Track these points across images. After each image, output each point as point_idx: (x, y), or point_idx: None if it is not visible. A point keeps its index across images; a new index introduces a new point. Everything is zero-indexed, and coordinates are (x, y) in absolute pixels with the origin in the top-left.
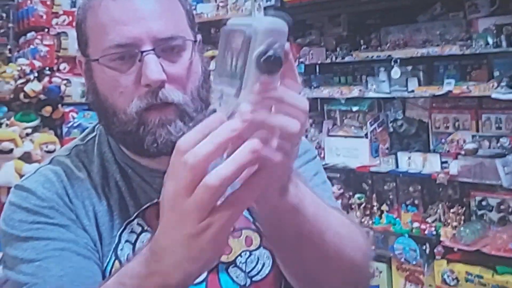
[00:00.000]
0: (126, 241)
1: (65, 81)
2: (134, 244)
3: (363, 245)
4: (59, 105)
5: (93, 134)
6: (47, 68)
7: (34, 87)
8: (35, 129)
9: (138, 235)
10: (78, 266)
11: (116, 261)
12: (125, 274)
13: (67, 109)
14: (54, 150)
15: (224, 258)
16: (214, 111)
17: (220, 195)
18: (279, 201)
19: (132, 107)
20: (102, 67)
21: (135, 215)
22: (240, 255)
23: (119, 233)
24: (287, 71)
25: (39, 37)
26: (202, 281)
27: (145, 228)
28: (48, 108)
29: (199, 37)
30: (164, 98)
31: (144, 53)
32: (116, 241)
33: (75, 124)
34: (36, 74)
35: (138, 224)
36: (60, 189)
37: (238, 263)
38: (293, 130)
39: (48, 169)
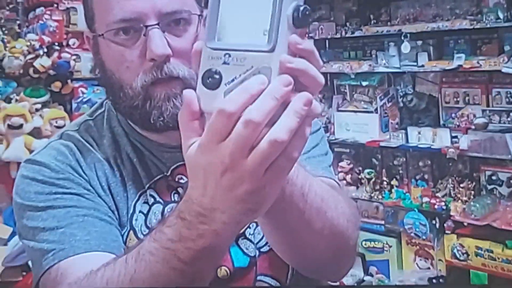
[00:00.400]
0: (140, 211)
1: (74, 57)
2: (146, 215)
3: (347, 211)
4: (69, 81)
5: (102, 109)
6: (56, 44)
7: (43, 62)
8: (44, 105)
9: (151, 206)
10: (102, 230)
11: (131, 231)
12: (168, 239)
13: (76, 85)
14: (64, 126)
15: None
16: (214, 71)
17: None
18: None
19: (137, 82)
20: (108, 42)
21: (147, 186)
22: (249, 226)
23: (133, 203)
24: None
25: (48, 12)
26: None
27: (157, 199)
28: (58, 84)
29: (205, 11)
30: (170, 72)
31: (149, 28)
32: (131, 211)
33: (84, 100)
34: (45, 50)
35: (150, 195)
36: (73, 161)
37: (247, 235)
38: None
39: (59, 143)
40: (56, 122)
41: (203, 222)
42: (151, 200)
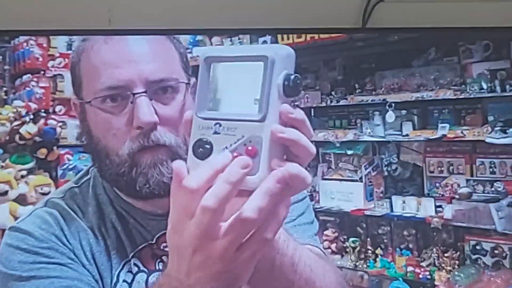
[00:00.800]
0: (124, 280)
1: (60, 123)
2: (130, 284)
3: (334, 281)
4: (55, 147)
5: (88, 177)
6: (42, 110)
7: (29, 129)
8: (30, 171)
9: (135, 275)
10: None
11: None
12: None
13: (62, 151)
14: (49, 192)
15: None
16: (204, 141)
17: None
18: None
19: (124, 149)
20: (95, 109)
21: (131, 254)
22: None
23: (117, 272)
24: None
25: (35, 79)
26: None
27: (141, 268)
28: (44, 150)
29: (193, 80)
30: (156, 140)
31: (136, 95)
32: (115, 280)
33: (70, 166)
34: (31, 116)
35: (134, 264)
36: (57, 230)
37: None
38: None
39: (44, 211)
40: (42, 188)
41: None
42: (135, 269)
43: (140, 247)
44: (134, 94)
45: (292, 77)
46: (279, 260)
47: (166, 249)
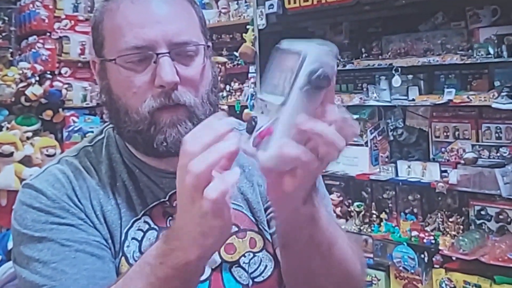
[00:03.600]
0: (133, 238)
1: (66, 85)
2: (140, 242)
3: (360, 260)
4: (60, 109)
5: (101, 136)
6: (48, 72)
7: (35, 90)
8: (35, 133)
9: (145, 232)
10: (92, 267)
11: (123, 258)
12: (150, 254)
13: (68, 113)
14: (55, 154)
15: (228, 258)
16: (253, 118)
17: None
18: (300, 206)
19: (145, 107)
20: (117, 67)
21: (142, 213)
22: (243, 255)
23: (125, 230)
24: (328, 94)
25: (41, 41)
26: (206, 279)
27: (152, 226)
28: (49, 112)
29: (209, 43)
30: (177, 100)
31: (160, 56)
32: (123, 238)
33: (75, 128)
34: (37, 78)
35: (145, 222)
36: (69, 189)
37: (241, 263)
38: (340, 146)
39: (57, 168)
40: (47, 150)
41: (175, 238)
42: (146, 227)
43: (151, 205)
44: (157, 54)
45: (317, 73)
46: (318, 238)
47: None
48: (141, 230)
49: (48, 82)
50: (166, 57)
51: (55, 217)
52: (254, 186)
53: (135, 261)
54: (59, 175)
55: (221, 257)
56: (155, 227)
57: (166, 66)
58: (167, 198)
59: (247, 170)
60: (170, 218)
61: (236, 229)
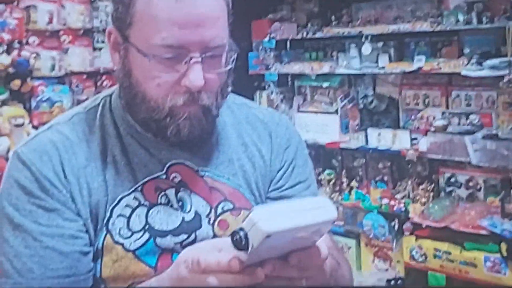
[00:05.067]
0: (119, 215)
1: (34, 55)
2: (128, 218)
3: (348, 269)
4: (28, 79)
5: (96, 104)
6: (16, 41)
7: (2, 60)
8: (3, 103)
9: (134, 209)
10: (60, 266)
11: (108, 235)
12: None
13: (36, 83)
14: (23, 124)
15: (220, 233)
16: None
17: None
18: None
19: (167, 101)
20: (145, 58)
21: (132, 190)
22: None
23: (110, 208)
24: None
25: (8, 9)
26: None
27: (142, 202)
28: (17, 82)
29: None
30: (200, 101)
31: (193, 59)
32: (107, 216)
33: (44, 98)
34: (5, 47)
35: (134, 198)
36: (56, 164)
37: None
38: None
39: (47, 138)
40: (16, 120)
41: None
42: (135, 203)
43: (143, 181)
44: (191, 57)
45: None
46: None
47: (175, 179)
48: (130, 206)
49: (16, 52)
50: (198, 62)
51: (35, 199)
52: (255, 166)
53: (122, 237)
54: (48, 145)
55: (214, 232)
56: (146, 203)
57: (197, 71)
58: (164, 171)
59: (249, 150)
60: (162, 194)
61: (232, 206)
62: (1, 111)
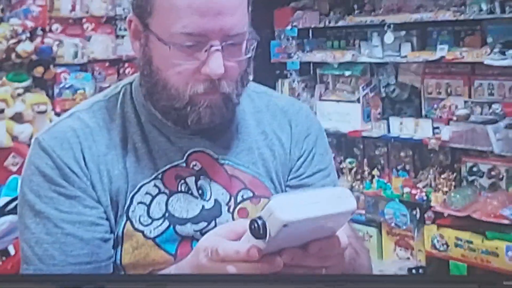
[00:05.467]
0: (140, 202)
1: (57, 42)
2: (148, 206)
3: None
4: (51, 66)
5: (116, 91)
6: (39, 29)
7: (26, 47)
8: (26, 89)
9: (154, 197)
10: (80, 252)
11: (128, 222)
12: None
13: (59, 70)
14: (46, 111)
15: None
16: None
17: None
18: None
19: (188, 89)
20: (165, 46)
21: (152, 177)
22: None
23: (131, 195)
24: None
25: None
26: None
27: (162, 190)
28: (40, 69)
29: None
30: (220, 88)
31: (213, 47)
32: (128, 203)
33: (66, 85)
34: (28, 35)
35: (155, 185)
36: (77, 151)
37: None
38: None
39: (68, 126)
40: (38, 107)
41: None
42: (155, 191)
43: (165, 168)
44: (211, 45)
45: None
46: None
47: (195, 167)
48: (150, 194)
49: (39, 39)
50: (218, 50)
51: (56, 186)
52: (275, 155)
53: (142, 225)
54: (69, 133)
55: (233, 220)
56: (166, 191)
57: (217, 59)
58: (184, 159)
59: (269, 138)
60: (181, 182)
61: (251, 194)
62: (24, 98)
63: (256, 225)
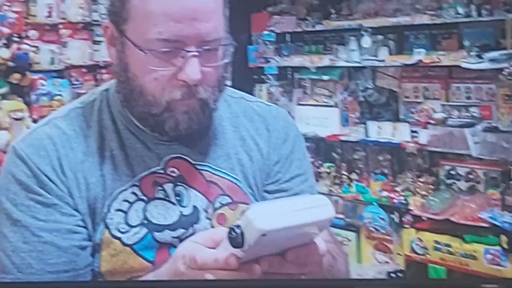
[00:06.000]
0: (118, 210)
1: (34, 48)
2: (126, 213)
3: (344, 262)
4: (28, 72)
5: (93, 98)
6: (15, 35)
7: (2, 54)
8: (3, 96)
9: (132, 203)
10: (58, 261)
11: (106, 230)
12: None
13: (35, 76)
14: (23, 118)
15: (218, 227)
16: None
17: None
18: None
19: (164, 95)
20: (141, 52)
21: (129, 184)
22: None
23: (108, 202)
24: None
25: (8, 3)
26: None
27: (140, 196)
28: (17, 75)
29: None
30: (197, 94)
31: (189, 53)
32: (105, 210)
33: (43, 92)
34: (4, 41)
35: (132, 193)
36: (54, 159)
37: None
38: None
39: (45, 133)
40: (15, 114)
41: None
42: (133, 198)
43: (142, 175)
44: (187, 51)
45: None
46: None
47: (172, 174)
48: (128, 201)
49: (15, 45)
50: (195, 55)
51: (33, 194)
52: (253, 160)
53: (119, 232)
54: (46, 140)
55: (212, 227)
56: (143, 197)
57: (194, 65)
58: (161, 165)
59: (247, 144)
60: (159, 188)
61: (229, 200)
62: (0, 104)
63: (234, 233)
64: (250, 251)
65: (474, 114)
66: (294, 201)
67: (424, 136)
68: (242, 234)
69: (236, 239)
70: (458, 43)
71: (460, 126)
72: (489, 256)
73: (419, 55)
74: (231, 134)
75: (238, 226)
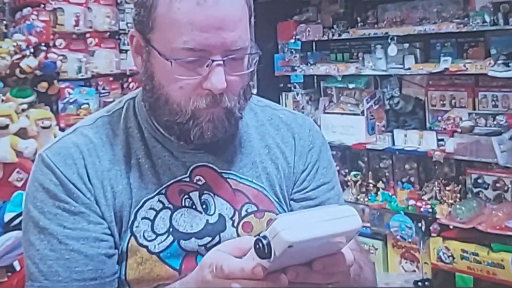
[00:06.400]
0: (144, 218)
1: (61, 57)
2: (153, 221)
3: (372, 271)
4: (55, 81)
5: (119, 107)
6: (43, 44)
7: (30, 62)
8: (30, 105)
9: (158, 212)
10: (84, 269)
11: (132, 237)
12: None
13: (63, 85)
14: (50, 126)
15: (244, 235)
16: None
17: None
18: None
19: (190, 104)
20: (167, 61)
21: (155, 192)
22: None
23: (134, 210)
24: None
25: (35, 12)
26: None
27: (166, 205)
28: (44, 84)
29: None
30: (222, 103)
31: (215, 62)
32: (132, 219)
33: (71, 100)
34: (32, 50)
35: (158, 201)
36: (80, 167)
37: None
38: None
39: (71, 141)
40: (43, 122)
41: None
42: (159, 206)
43: (168, 183)
44: (213, 60)
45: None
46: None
47: (198, 182)
48: (154, 209)
49: (42, 54)
50: (220, 65)
51: (60, 202)
52: (279, 168)
53: (146, 240)
54: (72, 149)
55: (238, 235)
56: (170, 206)
57: (219, 74)
58: (187, 174)
59: (273, 152)
60: (185, 196)
61: (255, 208)
62: (28, 113)
63: (261, 244)
64: (277, 262)
65: (501, 122)
66: (321, 212)
67: (450, 145)
68: (269, 245)
69: (263, 250)
70: (484, 51)
71: (487, 135)
72: None
73: (445, 63)
74: (257, 142)
75: (264, 237)
